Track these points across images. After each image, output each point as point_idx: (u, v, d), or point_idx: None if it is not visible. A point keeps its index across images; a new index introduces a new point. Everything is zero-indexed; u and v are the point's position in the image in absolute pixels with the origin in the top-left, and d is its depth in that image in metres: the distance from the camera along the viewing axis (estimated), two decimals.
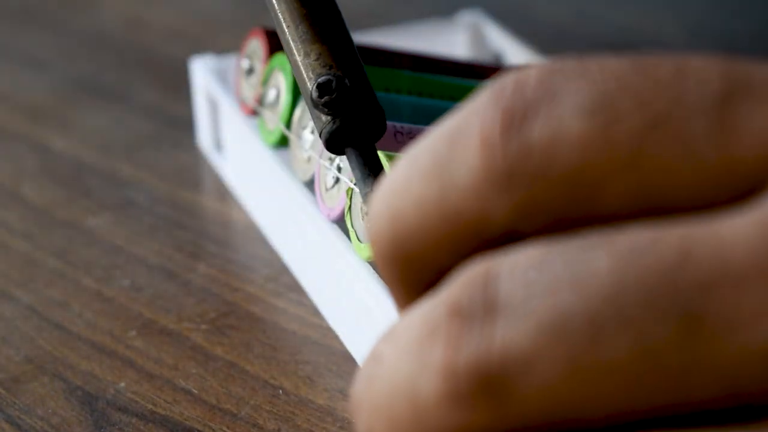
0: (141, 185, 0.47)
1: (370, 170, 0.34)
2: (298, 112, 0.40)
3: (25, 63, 0.58)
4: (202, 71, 0.48)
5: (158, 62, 0.58)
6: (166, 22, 0.62)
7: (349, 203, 0.36)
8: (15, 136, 0.52)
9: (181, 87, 0.53)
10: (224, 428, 0.34)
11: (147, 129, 0.52)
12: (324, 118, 0.34)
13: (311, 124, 0.39)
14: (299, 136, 0.39)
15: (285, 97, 0.40)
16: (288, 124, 0.40)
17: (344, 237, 0.36)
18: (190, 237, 0.44)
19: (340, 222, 0.36)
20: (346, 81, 0.34)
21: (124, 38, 0.61)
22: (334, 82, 0.34)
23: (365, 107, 0.34)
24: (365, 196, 0.34)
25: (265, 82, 0.42)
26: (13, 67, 0.58)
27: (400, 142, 0.36)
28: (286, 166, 0.40)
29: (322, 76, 0.34)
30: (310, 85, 0.34)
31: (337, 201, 0.36)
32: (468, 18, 0.51)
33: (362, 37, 0.49)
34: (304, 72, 0.35)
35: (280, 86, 0.41)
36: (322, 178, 0.37)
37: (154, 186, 0.47)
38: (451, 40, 0.51)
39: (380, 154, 0.35)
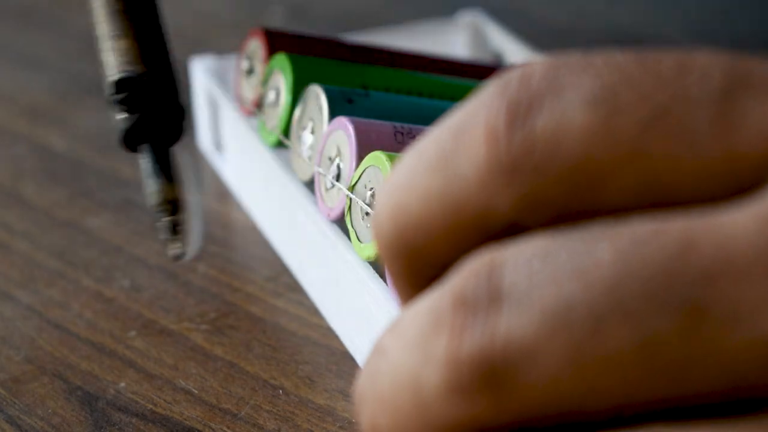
0: (141, 185, 0.47)
1: (162, 170, 0.34)
2: (297, 112, 0.40)
3: (25, 62, 0.58)
4: (201, 71, 0.48)
5: None
6: (166, 23, 0.62)
7: (349, 203, 0.36)
8: (15, 135, 0.52)
9: (180, 87, 0.53)
10: (224, 428, 0.34)
11: None
12: (119, 115, 0.34)
13: (311, 124, 0.39)
14: (299, 137, 0.39)
15: (285, 98, 0.40)
16: (288, 124, 0.40)
17: (344, 237, 0.36)
18: None
19: (340, 222, 0.36)
20: (145, 79, 0.34)
21: None
22: (131, 80, 0.34)
23: (164, 106, 0.34)
24: (152, 194, 0.34)
25: (265, 82, 0.42)
26: (12, 66, 0.58)
27: (400, 142, 0.36)
28: (286, 166, 0.40)
29: (123, 72, 0.34)
30: (109, 74, 0.34)
31: (337, 201, 0.36)
32: (468, 18, 0.51)
33: (362, 37, 0.49)
34: (106, 67, 0.35)
35: (280, 87, 0.41)
36: (322, 178, 0.37)
37: None
38: (451, 40, 0.51)
39: (382, 155, 0.35)
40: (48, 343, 0.39)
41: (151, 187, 0.34)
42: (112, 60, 0.34)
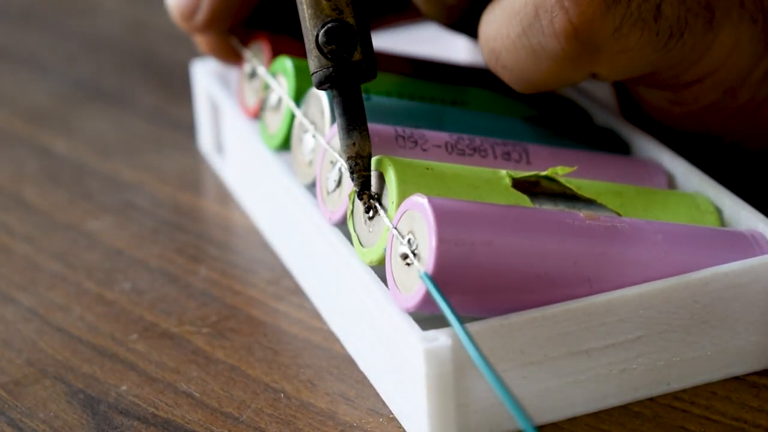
0: (142, 188, 0.47)
1: (354, 118, 0.34)
2: (299, 114, 0.40)
3: (27, 66, 0.58)
4: (203, 74, 0.48)
5: (159, 65, 0.58)
6: (167, 25, 0.62)
7: (351, 207, 0.36)
8: (16, 139, 0.52)
9: (182, 90, 0.53)
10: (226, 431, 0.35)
11: (148, 132, 0.52)
12: (322, 61, 0.35)
13: (313, 127, 0.39)
14: (300, 140, 0.39)
15: (287, 102, 0.40)
16: (289, 127, 0.40)
17: (346, 240, 0.36)
18: (191, 240, 0.44)
19: (342, 225, 0.36)
20: (354, 30, 0.35)
21: (125, 41, 0.61)
22: (342, 30, 0.34)
23: (365, 58, 0.35)
24: (348, 147, 0.34)
25: (267, 86, 0.42)
26: (14, 70, 0.58)
27: (402, 146, 0.36)
28: (288, 169, 0.40)
29: (332, 20, 0.35)
30: (316, 25, 0.35)
31: (338, 204, 0.36)
32: None
33: None
34: (313, 10, 0.35)
35: (282, 90, 0.41)
36: (323, 181, 0.37)
37: (155, 189, 0.47)
38: (452, 45, 0.51)
39: (384, 158, 0.35)
40: (49, 346, 0.39)
41: (348, 140, 0.34)
42: (321, 8, 0.35)
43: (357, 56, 0.35)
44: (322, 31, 0.35)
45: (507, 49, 0.36)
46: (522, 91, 0.37)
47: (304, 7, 0.35)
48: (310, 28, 0.35)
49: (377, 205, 0.34)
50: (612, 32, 0.35)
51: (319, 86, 0.35)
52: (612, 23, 0.35)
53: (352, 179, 0.35)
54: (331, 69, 0.35)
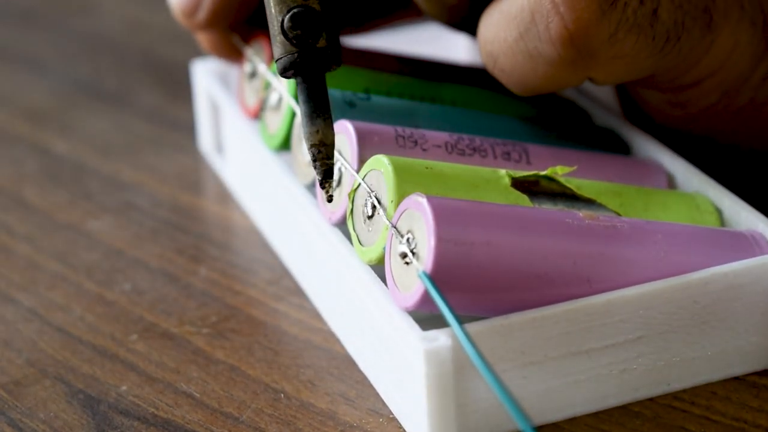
0: (142, 188, 0.47)
1: (319, 105, 0.35)
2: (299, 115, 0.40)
3: (27, 66, 0.58)
4: (203, 74, 0.48)
5: (159, 65, 0.58)
6: (167, 25, 0.62)
7: (350, 206, 0.36)
8: (16, 139, 0.52)
9: (182, 90, 0.53)
10: None
11: (148, 132, 0.52)
12: (287, 47, 0.35)
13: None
14: (301, 140, 0.39)
15: (287, 102, 0.40)
16: (290, 128, 0.40)
17: (346, 240, 0.36)
18: (191, 240, 0.44)
19: (342, 225, 0.36)
20: (319, 16, 0.35)
21: (125, 41, 0.61)
22: (307, 16, 0.34)
23: (330, 45, 0.35)
24: (311, 134, 0.34)
25: (268, 85, 0.42)
26: (14, 70, 0.58)
27: (402, 145, 0.36)
28: (288, 169, 0.40)
29: (298, 6, 0.35)
30: (282, 11, 0.35)
31: (338, 204, 0.36)
32: None
33: (364, 41, 0.49)
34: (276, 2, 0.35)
35: (282, 90, 0.41)
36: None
37: (155, 189, 0.47)
38: (452, 45, 0.51)
39: (384, 158, 0.35)
40: (49, 346, 0.39)
41: (311, 127, 0.35)
42: None
43: (322, 43, 0.35)
44: (287, 17, 0.34)
45: (504, 53, 0.36)
46: (520, 93, 0.37)
47: None
48: (275, 14, 0.35)
49: (376, 203, 0.34)
50: (607, 38, 0.35)
51: (283, 73, 0.35)
52: (607, 29, 0.35)
53: (315, 167, 0.35)
54: (296, 55, 0.35)
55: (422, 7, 0.40)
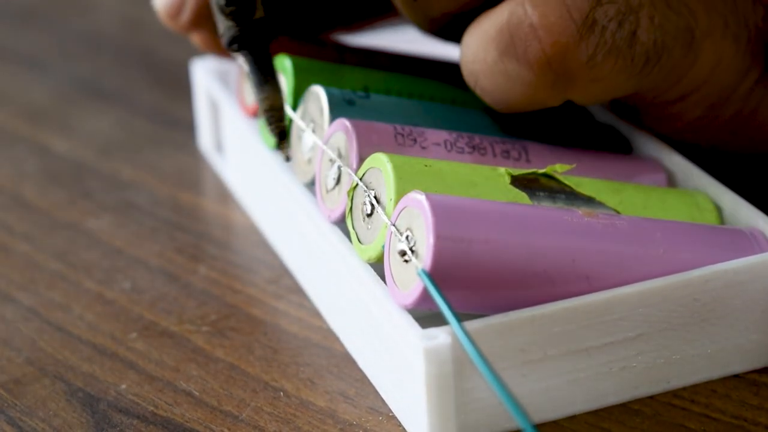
0: (142, 187, 0.47)
1: (264, 75, 0.37)
2: (298, 114, 0.40)
3: (26, 65, 0.58)
4: (202, 73, 0.48)
5: (159, 64, 0.58)
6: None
7: (350, 204, 0.36)
8: (15, 138, 0.52)
9: (181, 89, 0.53)
10: (225, 430, 0.34)
11: (148, 131, 0.52)
12: (227, 23, 0.36)
13: (312, 125, 0.39)
14: (300, 138, 0.39)
15: (286, 100, 0.40)
16: (288, 125, 0.40)
17: (345, 239, 0.36)
18: (190, 239, 0.44)
19: (342, 224, 0.36)
20: None
21: (124, 40, 0.61)
22: None
23: (267, 15, 0.37)
24: (261, 101, 0.37)
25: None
26: (13, 68, 0.58)
27: (401, 143, 0.36)
28: (287, 167, 0.40)
29: None
30: None
31: (337, 202, 0.36)
32: None
33: (363, 39, 0.49)
34: None
35: (283, 87, 0.41)
36: (322, 179, 0.37)
37: (154, 188, 0.47)
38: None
39: (383, 156, 0.35)
40: (49, 345, 0.39)
41: (261, 94, 0.36)
42: None
43: (259, 14, 0.36)
44: None
45: (484, 73, 0.36)
46: (501, 111, 0.37)
47: None
48: None
49: (375, 202, 0.34)
50: (586, 61, 0.35)
51: (229, 47, 0.37)
52: (585, 52, 0.35)
53: (270, 131, 0.37)
54: (235, 30, 0.36)
55: (404, 15, 0.40)
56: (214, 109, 0.48)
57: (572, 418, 0.34)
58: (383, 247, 0.34)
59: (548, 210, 0.33)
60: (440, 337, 0.32)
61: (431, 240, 0.31)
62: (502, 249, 0.32)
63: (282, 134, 0.37)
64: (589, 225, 0.33)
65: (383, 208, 0.34)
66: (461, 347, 0.31)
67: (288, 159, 0.37)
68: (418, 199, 0.32)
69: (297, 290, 0.41)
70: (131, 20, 0.63)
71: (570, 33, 0.34)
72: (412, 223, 0.33)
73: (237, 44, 0.37)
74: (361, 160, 0.36)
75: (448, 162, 0.35)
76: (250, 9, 0.36)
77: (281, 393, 0.36)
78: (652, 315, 0.33)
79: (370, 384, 0.36)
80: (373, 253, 0.34)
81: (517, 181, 0.35)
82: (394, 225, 0.33)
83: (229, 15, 0.36)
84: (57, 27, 0.62)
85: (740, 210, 0.37)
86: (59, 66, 0.58)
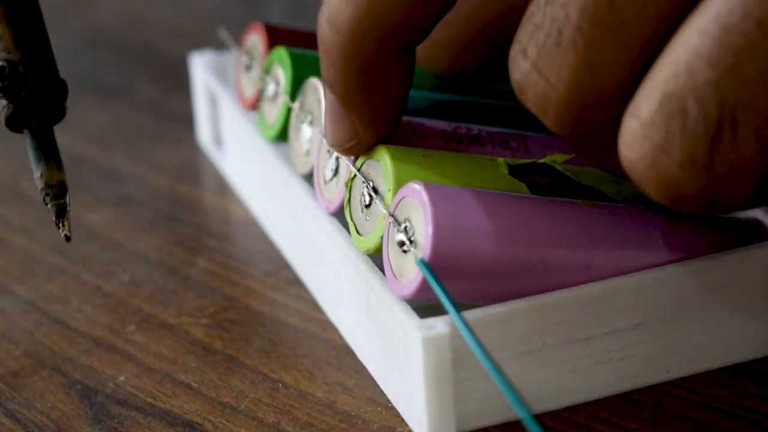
0: (140, 180, 0.47)
1: (43, 152, 0.35)
2: (296, 106, 0.40)
3: None
4: (201, 67, 0.48)
5: (158, 58, 0.58)
6: (165, 18, 0.62)
7: (348, 196, 0.36)
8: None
9: (180, 83, 0.53)
10: (224, 421, 0.34)
11: (146, 124, 0.52)
12: (2, 101, 0.35)
13: (310, 117, 0.39)
14: (298, 130, 0.39)
15: (284, 92, 0.40)
16: (287, 118, 0.40)
17: (343, 230, 0.36)
18: (189, 232, 0.44)
19: (340, 214, 0.36)
20: (20, 68, 0.35)
21: (123, 34, 0.61)
22: (7, 69, 0.35)
23: (43, 91, 0.35)
24: (37, 179, 0.35)
25: (265, 76, 0.41)
26: None
27: (399, 134, 0.36)
28: (285, 160, 0.40)
29: (1, 60, 0.35)
30: None
31: (335, 194, 0.36)
32: None
33: None
34: None
35: (279, 80, 0.41)
36: (320, 171, 0.37)
37: (153, 181, 0.47)
38: None
39: (381, 146, 0.35)
40: (47, 338, 0.39)
41: (37, 172, 0.35)
42: None
43: (26, 91, 0.35)
44: None
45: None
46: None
47: None
48: None
49: (373, 192, 0.34)
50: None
51: (9, 127, 0.35)
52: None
53: (49, 210, 0.36)
54: (9, 107, 0.35)
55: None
56: (213, 102, 0.48)
57: (571, 408, 0.34)
58: (382, 237, 0.34)
59: (547, 200, 0.33)
60: (439, 326, 0.32)
61: (430, 230, 0.31)
62: (500, 239, 0.32)
63: (60, 211, 0.36)
64: (588, 214, 0.33)
65: (381, 199, 0.34)
66: (460, 337, 0.31)
67: (68, 239, 0.36)
68: (416, 189, 0.32)
69: (296, 282, 0.40)
70: (130, 15, 0.63)
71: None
72: (411, 214, 0.32)
73: (15, 123, 0.35)
74: None
75: (446, 152, 0.35)
76: (21, 85, 0.35)
77: (280, 384, 0.36)
78: (651, 304, 0.33)
79: (369, 375, 0.36)
80: (371, 243, 0.34)
81: (516, 172, 0.35)
82: (392, 215, 0.33)
83: (1, 92, 0.35)
84: (56, 22, 0.62)
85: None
86: (58, 60, 0.58)
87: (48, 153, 0.36)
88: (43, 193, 0.36)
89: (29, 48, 0.35)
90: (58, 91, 0.35)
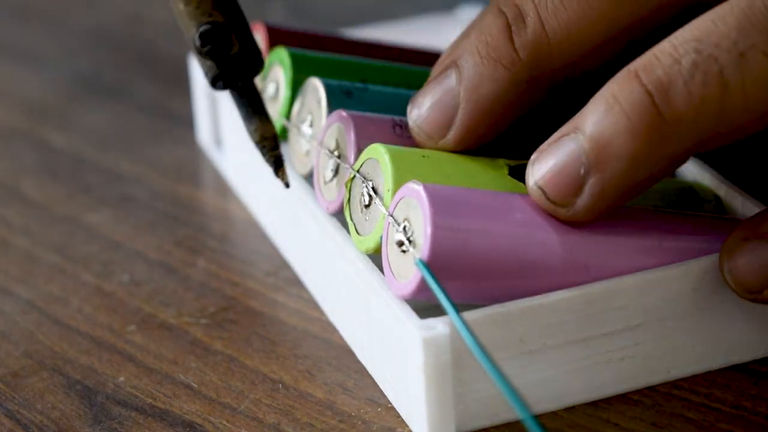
0: (141, 181, 0.47)
1: (253, 108, 0.36)
2: (296, 106, 0.40)
3: (25, 60, 0.58)
4: None
5: (158, 58, 0.58)
6: (165, 18, 0.62)
7: (347, 196, 0.36)
8: (15, 132, 0.52)
9: (180, 83, 0.53)
10: (224, 422, 0.34)
11: (147, 125, 0.52)
12: (208, 63, 0.36)
13: (310, 117, 0.39)
14: (298, 130, 0.39)
15: (284, 92, 0.40)
16: (287, 117, 0.40)
17: (343, 230, 0.36)
18: (189, 232, 0.44)
19: (340, 215, 0.36)
20: (226, 28, 0.36)
21: (123, 34, 0.61)
22: (212, 31, 0.35)
23: (244, 50, 0.36)
24: (252, 133, 0.36)
25: (265, 76, 0.42)
26: (12, 64, 0.58)
27: (399, 135, 0.36)
28: (285, 160, 0.40)
29: (204, 24, 0.36)
30: (192, 32, 0.36)
31: (336, 194, 0.36)
32: (468, 12, 0.51)
33: (362, 32, 0.49)
34: (186, 19, 0.36)
35: (279, 81, 0.41)
36: (320, 171, 0.37)
37: (153, 182, 0.47)
38: (451, 35, 0.51)
39: (381, 147, 0.35)
40: (47, 338, 0.39)
41: (250, 126, 0.36)
42: (190, 11, 0.36)
43: (235, 49, 0.36)
44: (196, 37, 0.36)
45: None
46: None
47: (179, 20, 0.36)
48: (189, 37, 0.36)
49: (372, 192, 0.34)
50: None
51: (213, 87, 0.36)
52: None
53: (265, 161, 0.37)
54: (215, 68, 0.36)
55: None
56: (213, 103, 0.48)
57: (571, 409, 0.34)
58: (381, 237, 0.34)
59: None
60: (438, 327, 0.32)
61: (429, 230, 0.31)
62: (499, 239, 0.32)
63: (278, 162, 0.37)
64: None
65: (381, 199, 0.34)
66: (460, 337, 0.31)
67: (287, 185, 0.37)
68: (415, 189, 0.32)
69: (296, 282, 0.41)
70: (130, 15, 0.63)
71: None
72: (410, 214, 0.32)
73: (221, 83, 0.36)
74: (358, 151, 0.36)
75: (446, 153, 0.35)
76: (227, 46, 0.36)
77: (280, 385, 0.36)
78: (651, 305, 0.33)
79: (369, 375, 0.36)
80: (371, 243, 0.34)
81: (516, 172, 0.35)
82: (391, 215, 0.33)
83: (206, 55, 0.36)
84: (57, 22, 0.62)
85: (738, 200, 0.37)
86: (58, 61, 0.58)
87: (257, 108, 0.36)
88: (259, 147, 0.36)
89: (226, 10, 0.36)
90: (254, 47, 0.36)
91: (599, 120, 0.31)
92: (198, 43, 0.35)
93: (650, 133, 0.31)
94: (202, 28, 0.35)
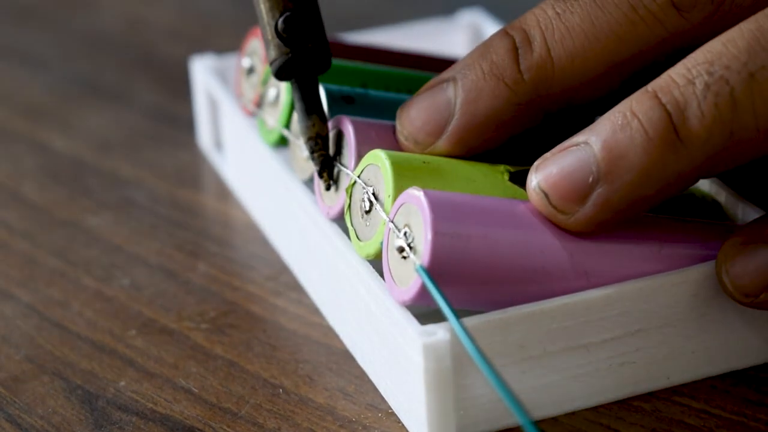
0: (141, 185, 0.47)
1: (310, 105, 0.37)
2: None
3: (25, 63, 0.58)
4: (202, 71, 0.48)
5: (158, 62, 0.58)
6: (166, 22, 0.62)
7: (348, 201, 0.36)
8: (15, 135, 0.52)
9: (181, 86, 0.53)
10: (224, 427, 0.34)
11: (147, 128, 0.52)
12: (283, 49, 0.36)
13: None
14: (298, 136, 0.39)
15: (285, 97, 0.40)
16: (287, 122, 0.40)
17: (344, 235, 0.36)
18: (190, 236, 0.44)
19: (340, 220, 0.36)
20: (305, 17, 0.36)
21: (124, 38, 0.61)
22: (298, 17, 0.36)
23: (318, 45, 0.36)
24: (307, 128, 0.36)
25: (265, 81, 0.42)
26: (13, 67, 0.58)
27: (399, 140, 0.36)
28: (286, 165, 0.40)
29: (289, 9, 0.36)
30: (273, 16, 0.36)
31: (336, 199, 0.36)
32: (468, 17, 0.51)
33: (362, 37, 0.49)
34: (270, 2, 0.36)
35: (280, 85, 0.41)
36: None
37: (154, 185, 0.47)
38: (451, 40, 0.51)
39: (381, 153, 0.35)
40: (48, 342, 0.39)
41: (304, 122, 0.36)
42: (270, 2, 0.36)
43: (310, 43, 0.36)
44: (281, 20, 0.36)
45: None
46: None
47: (259, 5, 0.36)
48: (268, 19, 0.36)
49: (373, 198, 0.34)
50: None
51: (278, 75, 0.37)
52: None
53: (312, 159, 0.37)
54: (289, 56, 0.36)
55: None
56: (214, 106, 0.48)
57: (571, 415, 0.34)
58: (381, 243, 0.34)
59: None
60: (439, 333, 0.32)
61: (429, 236, 0.31)
62: (500, 245, 0.32)
63: (325, 162, 0.37)
64: None
65: (381, 205, 0.34)
66: (460, 343, 0.31)
67: (328, 187, 0.37)
68: (416, 195, 0.32)
69: (296, 287, 0.41)
70: (131, 18, 0.63)
71: None
72: (410, 220, 0.32)
73: (288, 71, 0.36)
74: (359, 157, 0.36)
75: (446, 159, 0.35)
76: (305, 36, 0.36)
77: (280, 390, 0.36)
78: (651, 311, 0.33)
79: (369, 381, 0.36)
80: (371, 249, 0.34)
81: (516, 177, 0.35)
82: (392, 221, 0.33)
83: (285, 38, 0.36)
84: (57, 25, 0.62)
85: (738, 206, 0.37)
86: (59, 64, 0.58)
87: (315, 105, 0.37)
88: (310, 144, 0.37)
89: (306, 3, 0.36)
90: (326, 46, 0.37)
91: (615, 132, 0.32)
92: (282, 27, 0.36)
93: (664, 149, 0.32)
94: (287, 13, 0.36)
